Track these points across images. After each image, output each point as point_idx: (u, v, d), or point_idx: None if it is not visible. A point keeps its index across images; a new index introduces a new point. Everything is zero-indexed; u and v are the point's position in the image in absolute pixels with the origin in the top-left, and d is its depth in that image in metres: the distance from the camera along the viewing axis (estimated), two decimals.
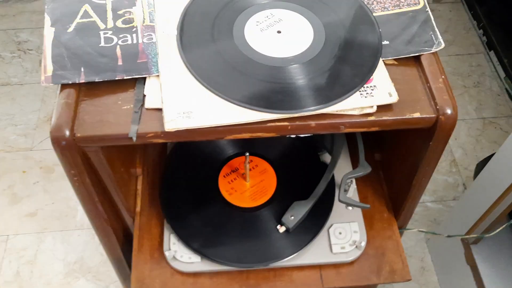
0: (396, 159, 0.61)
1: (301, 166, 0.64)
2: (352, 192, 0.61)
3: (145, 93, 0.48)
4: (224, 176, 0.63)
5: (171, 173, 0.63)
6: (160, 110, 0.46)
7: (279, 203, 0.60)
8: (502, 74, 1.36)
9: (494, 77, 1.38)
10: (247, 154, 0.58)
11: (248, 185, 0.62)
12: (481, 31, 1.46)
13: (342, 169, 0.64)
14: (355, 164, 0.65)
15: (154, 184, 0.65)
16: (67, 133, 0.45)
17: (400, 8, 0.54)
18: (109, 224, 0.57)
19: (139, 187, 0.65)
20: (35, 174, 1.18)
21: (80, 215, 1.12)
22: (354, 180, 0.61)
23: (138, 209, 0.63)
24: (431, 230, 1.08)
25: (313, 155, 0.64)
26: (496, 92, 1.35)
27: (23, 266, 1.05)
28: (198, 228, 0.58)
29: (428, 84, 0.48)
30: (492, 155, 1.06)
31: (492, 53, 1.41)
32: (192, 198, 0.61)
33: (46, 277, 1.04)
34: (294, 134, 0.47)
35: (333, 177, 0.61)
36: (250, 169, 0.62)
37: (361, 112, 0.47)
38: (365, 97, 0.47)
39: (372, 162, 0.63)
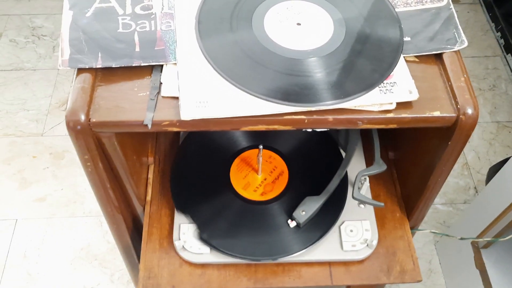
0: (411, 158, 0.60)
1: (315, 160, 0.63)
2: (365, 190, 0.61)
3: (161, 80, 0.47)
4: (236, 168, 0.62)
5: (183, 163, 0.63)
6: (176, 98, 0.46)
7: (291, 197, 0.60)
8: None
9: (510, 80, 1.36)
10: (261, 146, 0.58)
11: (260, 178, 0.61)
12: (498, 33, 1.44)
13: (356, 165, 0.63)
14: (368, 161, 0.64)
15: (166, 173, 0.65)
16: (83, 117, 0.44)
17: (423, 5, 0.53)
18: (119, 212, 0.57)
19: (151, 175, 0.65)
20: (45, 160, 1.19)
21: (88, 202, 1.12)
22: (367, 178, 0.60)
23: (148, 197, 0.63)
24: (441, 232, 1.07)
25: (328, 150, 0.64)
26: None
27: (31, 251, 1.06)
28: (208, 219, 0.58)
29: (450, 83, 0.47)
30: (505, 160, 1.04)
31: (509, 56, 1.39)
32: (203, 189, 0.60)
33: (53, 262, 1.05)
34: (310, 128, 0.47)
35: (346, 173, 0.61)
36: (262, 162, 0.61)
37: (380, 109, 0.46)
38: (385, 93, 0.46)
39: (386, 161, 0.62)
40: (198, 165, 0.63)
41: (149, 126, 0.45)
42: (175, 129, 0.46)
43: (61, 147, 1.21)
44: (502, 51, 1.42)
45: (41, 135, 1.24)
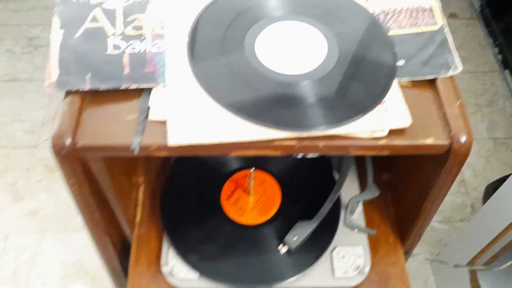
0: (406, 181, 0.59)
1: (308, 182, 0.62)
2: (358, 214, 0.60)
3: (150, 104, 0.46)
4: (227, 190, 0.61)
5: (173, 184, 0.62)
6: (165, 122, 0.45)
7: (283, 221, 0.59)
8: None
9: (508, 97, 1.36)
10: (252, 170, 0.57)
11: (251, 201, 0.60)
12: (496, 49, 1.44)
13: (349, 188, 0.62)
14: (362, 183, 0.63)
15: (156, 194, 0.64)
16: (69, 141, 0.43)
17: (417, 28, 0.53)
18: (107, 234, 0.55)
19: (140, 196, 0.64)
20: (39, 172, 1.18)
21: (80, 216, 1.11)
22: (361, 202, 0.59)
23: (137, 219, 0.62)
24: (437, 251, 1.06)
25: (321, 172, 0.63)
26: (509, 112, 1.32)
27: (21, 266, 1.04)
28: (198, 243, 0.57)
29: (443, 109, 0.46)
30: (502, 178, 1.04)
31: (507, 72, 1.39)
32: (193, 212, 0.59)
33: (44, 278, 1.03)
34: (301, 154, 0.46)
35: (339, 197, 0.60)
36: (254, 184, 0.60)
37: (372, 135, 0.45)
38: (377, 119, 0.46)
39: (380, 182, 0.61)
40: (188, 186, 0.62)
41: (136, 151, 0.44)
42: (163, 154, 0.45)
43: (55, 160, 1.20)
44: (500, 66, 1.42)
45: (35, 147, 1.23)
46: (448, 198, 1.16)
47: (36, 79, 1.37)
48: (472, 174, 1.20)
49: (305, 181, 0.62)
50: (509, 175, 0.96)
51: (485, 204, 0.86)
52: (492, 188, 1.06)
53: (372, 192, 0.54)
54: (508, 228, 0.79)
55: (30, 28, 1.49)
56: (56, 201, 1.13)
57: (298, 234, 0.55)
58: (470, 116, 1.29)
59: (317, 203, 0.58)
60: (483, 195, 1.08)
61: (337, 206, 0.59)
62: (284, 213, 0.59)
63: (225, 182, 0.61)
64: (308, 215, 0.57)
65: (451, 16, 1.53)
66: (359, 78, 0.48)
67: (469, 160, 1.29)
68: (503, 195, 0.81)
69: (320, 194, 0.59)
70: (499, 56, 1.43)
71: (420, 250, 1.06)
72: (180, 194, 0.61)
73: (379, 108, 0.46)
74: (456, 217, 1.13)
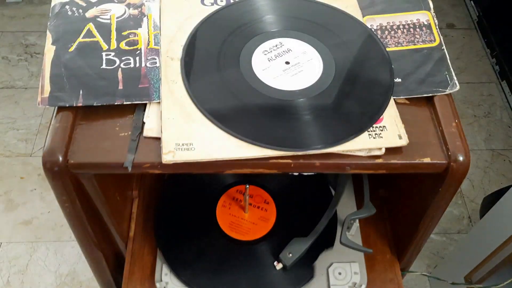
0: (403, 198, 0.58)
1: (304, 198, 0.61)
2: (355, 231, 0.59)
3: (144, 120, 0.46)
4: (222, 205, 0.60)
5: (167, 198, 0.61)
6: (159, 139, 0.44)
7: (278, 237, 0.58)
8: None
9: (505, 108, 1.36)
10: (247, 186, 0.56)
11: (246, 217, 0.59)
12: (494, 60, 1.44)
13: (346, 204, 0.61)
14: (359, 199, 0.63)
15: (150, 208, 0.63)
16: (60, 158, 0.43)
17: (414, 44, 0.52)
18: (99, 249, 0.55)
19: (134, 210, 0.63)
20: (33, 181, 1.17)
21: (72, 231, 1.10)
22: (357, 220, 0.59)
23: (131, 233, 0.61)
24: (434, 263, 1.06)
25: (317, 187, 0.62)
26: (507, 123, 1.32)
27: (14, 276, 1.03)
28: (192, 259, 0.56)
29: (441, 128, 0.46)
30: (499, 190, 1.03)
31: (504, 83, 1.39)
32: (188, 227, 0.59)
33: None
34: (297, 172, 0.45)
35: (335, 213, 0.59)
36: (250, 200, 0.60)
37: (369, 154, 0.44)
38: (374, 138, 0.45)
39: (377, 198, 0.60)
40: (183, 201, 0.61)
41: (129, 169, 0.43)
42: (157, 171, 0.44)
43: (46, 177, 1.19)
44: (497, 77, 1.42)
45: (30, 155, 1.22)
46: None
47: (31, 87, 1.36)
48: (470, 186, 1.19)
49: (300, 196, 0.61)
50: (506, 188, 0.96)
51: (482, 218, 0.85)
52: (489, 200, 1.06)
53: (369, 210, 0.53)
54: (506, 242, 0.78)
55: (26, 35, 1.48)
56: (51, 210, 1.12)
57: (294, 251, 0.55)
58: (467, 126, 1.29)
59: (313, 219, 0.58)
60: (480, 207, 1.08)
61: (333, 222, 0.59)
62: (279, 229, 0.58)
63: (220, 197, 0.61)
64: (304, 231, 0.57)
65: (448, 26, 1.53)
66: (355, 96, 0.48)
67: None
68: (501, 209, 0.80)
69: (316, 210, 0.59)
70: (497, 67, 1.43)
71: (417, 262, 1.06)
72: (174, 209, 0.60)
73: (376, 126, 0.46)
74: (453, 229, 1.12)
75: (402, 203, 0.59)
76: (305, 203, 0.61)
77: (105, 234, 0.56)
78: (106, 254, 0.56)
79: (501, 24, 1.42)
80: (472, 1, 1.53)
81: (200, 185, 0.62)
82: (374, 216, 0.62)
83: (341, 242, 0.53)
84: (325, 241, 0.57)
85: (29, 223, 1.10)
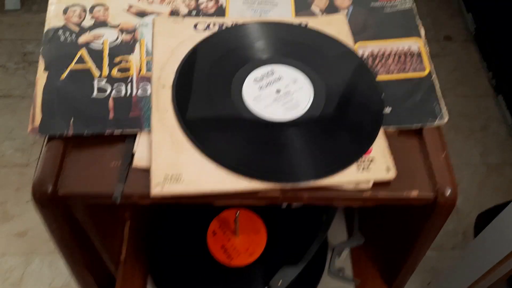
0: (392, 228, 0.59)
1: (295, 223, 0.61)
2: (345, 257, 0.59)
3: (134, 149, 0.46)
4: (213, 229, 0.60)
5: (159, 221, 0.61)
6: (148, 169, 0.44)
7: (269, 261, 0.58)
8: (510, 120, 1.34)
9: (501, 121, 1.36)
10: (238, 212, 0.56)
11: (237, 241, 0.60)
12: (490, 73, 1.44)
13: (336, 230, 0.61)
14: (350, 225, 0.63)
15: (142, 229, 0.63)
16: (50, 189, 0.43)
17: (405, 73, 0.52)
18: (89, 273, 0.55)
19: (126, 231, 0.63)
20: (28, 192, 1.16)
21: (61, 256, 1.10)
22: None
23: (122, 256, 0.61)
24: (428, 279, 1.06)
25: (308, 212, 0.62)
26: (503, 137, 1.33)
27: None
28: (182, 283, 0.56)
29: (429, 160, 0.46)
30: (494, 207, 1.03)
31: (500, 96, 1.39)
32: (178, 251, 0.59)
33: None
34: (285, 204, 0.45)
35: (326, 238, 0.59)
36: (240, 224, 0.60)
37: (357, 188, 0.45)
38: (362, 170, 0.45)
39: (367, 225, 0.60)
40: (174, 224, 0.61)
41: (118, 200, 0.43)
42: (146, 203, 0.44)
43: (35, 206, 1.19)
44: (494, 90, 1.42)
45: (26, 165, 1.22)
46: None
47: (29, 96, 1.36)
48: (465, 200, 1.19)
49: (291, 220, 0.62)
50: (501, 205, 0.96)
51: (478, 236, 0.85)
52: (484, 217, 1.06)
53: (358, 240, 0.54)
54: (502, 261, 0.78)
55: (24, 43, 1.48)
56: None
57: (283, 278, 0.55)
58: (463, 140, 1.29)
59: (304, 243, 0.58)
60: (474, 223, 1.08)
61: (323, 248, 0.59)
62: (270, 254, 0.59)
63: (211, 221, 0.61)
64: (295, 256, 0.57)
65: (446, 38, 1.54)
66: (345, 126, 0.48)
67: (462, 185, 1.29)
68: (498, 227, 0.80)
69: (306, 235, 0.59)
70: (493, 80, 1.43)
71: (411, 278, 1.06)
72: (165, 233, 0.60)
73: (364, 159, 0.46)
74: (447, 244, 1.12)
75: (391, 232, 0.59)
76: (296, 227, 0.61)
77: (95, 258, 0.56)
78: (96, 277, 0.56)
79: (499, 37, 1.43)
80: (470, 14, 1.54)
81: (192, 208, 0.62)
82: (364, 242, 0.62)
83: (329, 274, 0.53)
84: (316, 268, 0.58)
85: (24, 235, 1.11)
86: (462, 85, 1.43)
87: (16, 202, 1.15)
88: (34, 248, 1.09)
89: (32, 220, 1.13)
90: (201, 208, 0.62)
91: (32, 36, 1.51)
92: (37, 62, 1.46)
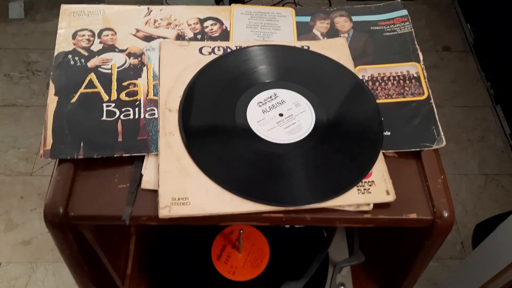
0: (392, 246, 0.60)
1: (297, 239, 0.63)
2: (346, 273, 0.61)
3: (142, 172, 0.48)
4: (217, 245, 0.62)
5: (164, 236, 0.63)
6: (156, 191, 0.46)
7: (271, 278, 0.60)
8: (508, 131, 1.36)
9: (499, 132, 1.38)
10: (241, 231, 0.58)
11: (240, 257, 0.61)
12: (489, 83, 1.46)
13: (338, 246, 0.63)
14: (351, 242, 0.64)
15: (147, 244, 0.65)
16: (61, 211, 0.45)
17: (404, 97, 0.54)
18: (96, 287, 0.56)
19: (132, 246, 0.65)
20: (33, 201, 1.18)
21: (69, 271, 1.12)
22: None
23: (128, 271, 0.63)
24: None
25: (310, 229, 0.64)
26: (501, 148, 1.34)
27: None
28: None
29: (427, 183, 0.48)
30: (492, 218, 1.05)
31: (498, 107, 1.41)
32: (183, 265, 0.60)
33: None
34: (288, 225, 0.47)
35: (327, 255, 0.61)
36: (244, 240, 0.61)
37: (357, 209, 0.46)
38: (362, 193, 0.47)
39: (368, 243, 0.62)
40: (179, 240, 0.63)
41: (127, 222, 0.45)
42: (154, 223, 0.46)
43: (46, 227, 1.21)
44: (492, 101, 1.44)
45: (30, 174, 1.23)
46: None
47: (33, 105, 1.38)
48: (463, 211, 1.21)
49: (294, 237, 0.63)
50: (499, 215, 0.98)
51: (478, 247, 0.86)
52: (482, 227, 1.07)
53: (358, 258, 0.55)
54: (501, 273, 0.79)
55: (28, 52, 1.50)
56: None
57: None
58: (461, 151, 1.31)
59: (306, 259, 0.59)
60: (472, 234, 1.09)
61: (325, 265, 0.60)
62: (272, 269, 0.60)
63: (215, 236, 0.62)
64: (297, 271, 0.58)
65: (444, 49, 1.55)
66: (346, 150, 0.49)
67: (460, 196, 1.31)
68: (497, 238, 0.81)
69: (308, 251, 0.60)
70: (492, 91, 1.45)
71: None
72: (170, 249, 0.62)
73: (364, 181, 0.47)
74: (446, 255, 1.14)
75: (390, 251, 0.61)
76: (298, 244, 0.63)
77: (102, 273, 0.57)
78: None
79: (497, 48, 1.45)
80: (468, 24, 1.56)
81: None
82: (365, 259, 0.64)
83: None
84: (317, 284, 0.59)
85: (29, 243, 1.12)
86: (460, 96, 1.45)
87: (20, 211, 1.17)
88: (39, 256, 1.10)
89: (36, 228, 1.14)
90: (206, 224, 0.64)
91: (35, 45, 1.53)
92: (40, 71, 1.48)
